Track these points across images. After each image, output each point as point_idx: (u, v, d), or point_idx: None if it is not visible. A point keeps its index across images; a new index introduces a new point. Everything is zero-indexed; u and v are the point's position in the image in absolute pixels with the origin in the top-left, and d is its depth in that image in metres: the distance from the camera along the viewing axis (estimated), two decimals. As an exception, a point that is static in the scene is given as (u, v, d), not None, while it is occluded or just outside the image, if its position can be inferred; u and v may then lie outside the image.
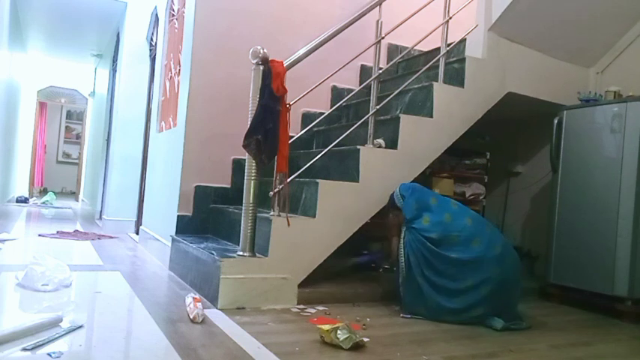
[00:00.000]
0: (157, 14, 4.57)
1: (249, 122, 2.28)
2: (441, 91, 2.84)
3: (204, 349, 1.67)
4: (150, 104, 4.81)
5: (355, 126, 2.73)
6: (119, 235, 4.66)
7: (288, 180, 2.43)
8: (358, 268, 2.98)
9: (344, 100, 3.12)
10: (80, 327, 1.78)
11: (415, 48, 3.24)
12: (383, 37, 2.75)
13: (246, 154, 2.32)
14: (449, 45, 2.98)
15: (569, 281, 2.86)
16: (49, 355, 1.49)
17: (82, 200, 9.27)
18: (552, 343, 2.07)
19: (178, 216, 3.16)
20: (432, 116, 2.80)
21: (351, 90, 3.46)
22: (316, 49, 2.53)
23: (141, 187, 4.82)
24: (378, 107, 2.71)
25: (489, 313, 2.25)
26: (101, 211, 5.70)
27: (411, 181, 2.80)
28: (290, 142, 2.40)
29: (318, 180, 2.51)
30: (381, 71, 2.82)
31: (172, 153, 3.39)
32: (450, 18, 2.97)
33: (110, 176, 5.19)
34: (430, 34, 3.03)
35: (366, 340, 1.85)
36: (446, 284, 2.27)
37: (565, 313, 2.71)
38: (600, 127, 2.80)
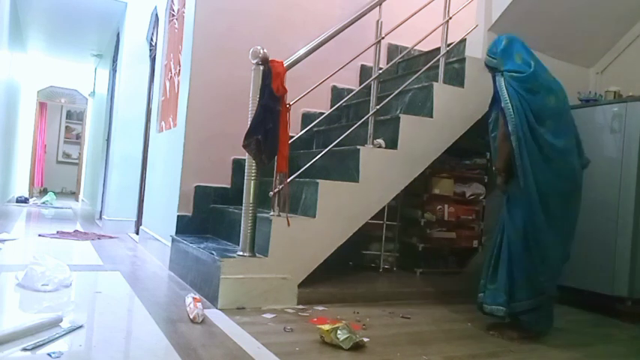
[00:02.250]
0: (157, 14, 4.57)
1: (249, 122, 2.28)
2: (441, 91, 2.83)
3: (204, 349, 1.67)
4: (150, 104, 4.81)
5: (355, 126, 2.73)
6: (119, 235, 4.66)
7: (288, 180, 2.43)
8: None
9: (344, 100, 3.12)
10: (80, 327, 1.78)
11: (415, 48, 3.24)
12: (383, 37, 2.75)
13: (246, 154, 2.32)
14: (449, 45, 2.98)
15: (569, 281, 2.85)
16: (49, 355, 1.49)
17: (82, 200, 9.27)
18: (552, 343, 2.07)
19: (178, 216, 3.16)
20: (432, 116, 2.80)
21: (351, 90, 3.46)
22: (316, 49, 2.53)
23: (141, 187, 4.82)
24: (378, 107, 2.71)
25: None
26: (101, 211, 5.70)
27: (411, 182, 2.81)
28: (290, 142, 2.40)
29: (318, 180, 2.51)
30: (381, 71, 2.82)
31: (172, 153, 3.39)
32: (450, 18, 2.97)
33: (110, 176, 5.19)
34: (430, 34, 3.03)
35: (366, 340, 1.85)
36: None
37: (565, 313, 2.70)
38: (600, 127, 2.80)
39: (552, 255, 2.10)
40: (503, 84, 2.11)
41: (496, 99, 2.20)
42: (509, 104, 2.07)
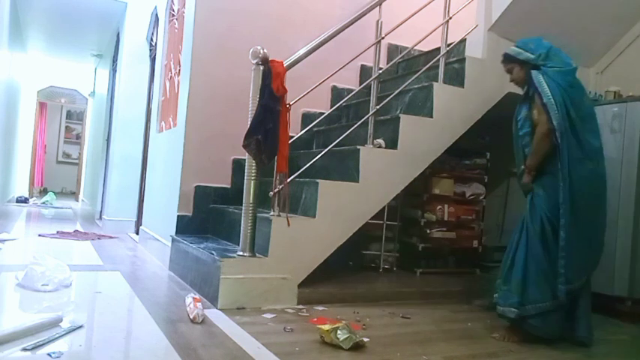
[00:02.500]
0: (157, 14, 4.57)
1: (249, 122, 2.28)
2: (441, 91, 2.83)
3: (204, 349, 1.67)
4: (150, 104, 4.81)
5: (355, 126, 2.73)
6: (119, 235, 4.66)
7: (288, 180, 2.43)
8: None
9: (344, 100, 3.12)
10: (80, 327, 1.78)
11: (415, 48, 3.24)
12: (383, 37, 2.75)
13: (246, 154, 2.32)
14: (449, 45, 2.98)
15: (569, 281, 2.85)
16: (49, 355, 1.49)
17: (82, 200, 9.26)
18: (552, 344, 2.07)
19: (178, 216, 3.16)
20: (432, 116, 2.80)
21: (351, 90, 3.46)
22: (316, 49, 2.53)
23: (141, 187, 4.82)
24: (378, 107, 2.71)
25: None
26: (101, 211, 5.70)
27: (411, 182, 2.81)
28: (290, 142, 2.40)
29: (318, 180, 2.51)
30: (381, 71, 2.82)
31: (172, 153, 3.39)
32: (450, 18, 2.97)
33: (110, 176, 5.19)
34: (430, 34, 3.03)
35: (366, 340, 1.85)
36: None
37: (565, 313, 2.71)
38: (600, 127, 2.79)
39: (574, 258, 2.03)
40: (542, 79, 2.08)
41: (528, 96, 2.17)
42: (552, 99, 2.03)
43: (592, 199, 2.09)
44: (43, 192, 10.07)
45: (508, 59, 2.24)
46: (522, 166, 2.17)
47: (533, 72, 2.13)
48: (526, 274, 2.06)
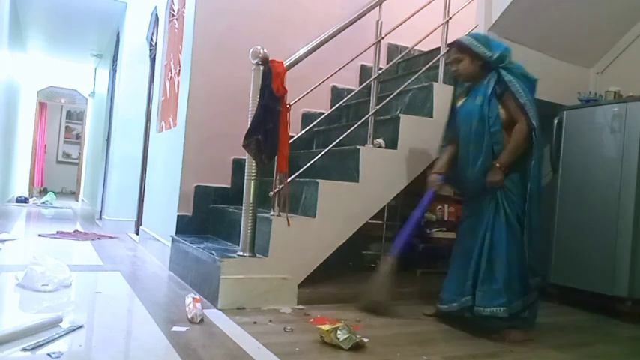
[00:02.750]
0: (157, 14, 4.57)
1: (249, 122, 2.28)
2: (441, 91, 2.83)
3: (204, 349, 1.67)
4: (150, 104, 4.81)
5: (355, 126, 2.73)
6: (119, 235, 4.66)
7: (288, 180, 2.43)
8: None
9: (344, 100, 3.12)
10: (80, 327, 1.78)
11: (415, 48, 3.24)
12: (383, 37, 2.75)
13: (246, 154, 2.32)
14: (449, 45, 2.97)
15: (569, 281, 2.86)
16: (49, 355, 1.49)
17: (82, 200, 9.27)
18: (553, 343, 2.07)
19: (178, 216, 3.16)
20: (432, 116, 2.80)
21: (351, 90, 3.46)
22: (316, 49, 2.53)
23: (141, 187, 4.82)
24: (378, 107, 2.71)
25: None
26: (101, 211, 5.70)
27: (411, 182, 2.81)
28: (290, 142, 2.40)
29: (318, 180, 2.51)
30: (381, 71, 2.82)
31: (172, 153, 3.39)
32: (450, 18, 2.97)
33: (110, 176, 5.19)
34: (430, 34, 3.03)
35: (366, 340, 1.85)
36: None
37: (565, 313, 2.71)
38: (600, 127, 2.80)
39: (536, 248, 2.15)
40: (513, 79, 2.11)
41: (495, 94, 2.14)
42: (528, 100, 2.09)
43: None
44: (43, 192, 10.07)
45: (461, 48, 2.21)
46: (497, 164, 2.13)
47: (503, 71, 2.14)
48: (510, 270, 2.07)
